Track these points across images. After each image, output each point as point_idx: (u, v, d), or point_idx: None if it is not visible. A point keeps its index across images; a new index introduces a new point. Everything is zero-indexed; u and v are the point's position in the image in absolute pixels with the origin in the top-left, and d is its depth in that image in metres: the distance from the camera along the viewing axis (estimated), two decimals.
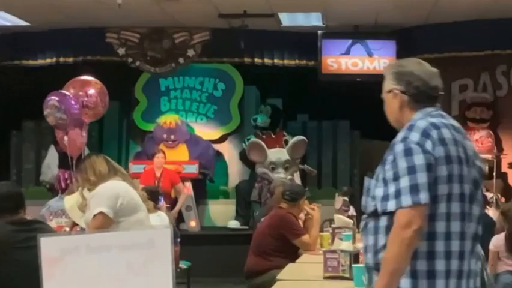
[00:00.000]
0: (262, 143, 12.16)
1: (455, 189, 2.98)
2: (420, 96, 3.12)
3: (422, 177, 2.91)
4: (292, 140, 12.29)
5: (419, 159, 2.92)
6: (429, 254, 2.95)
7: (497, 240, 7.26)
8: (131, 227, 4.66)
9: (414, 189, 2.89)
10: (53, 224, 7.95)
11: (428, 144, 2.95)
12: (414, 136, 2.97)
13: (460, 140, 3.05)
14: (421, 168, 2.91)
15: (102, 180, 4.98)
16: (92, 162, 5.11)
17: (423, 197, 2.89)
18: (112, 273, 2.70)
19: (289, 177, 11.89)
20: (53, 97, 9.81)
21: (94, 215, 4.73)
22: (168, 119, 12.94)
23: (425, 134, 2.97)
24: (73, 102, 9.79)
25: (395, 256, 2.90)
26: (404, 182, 2.91)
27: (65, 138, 9.86)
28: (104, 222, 4.70)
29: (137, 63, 12.84)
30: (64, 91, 9.95)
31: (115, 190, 4.87)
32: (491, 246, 7.17)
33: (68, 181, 10.19)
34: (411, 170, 2.91)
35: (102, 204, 4.76)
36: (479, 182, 3.11)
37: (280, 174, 11.92)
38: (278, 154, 12.18)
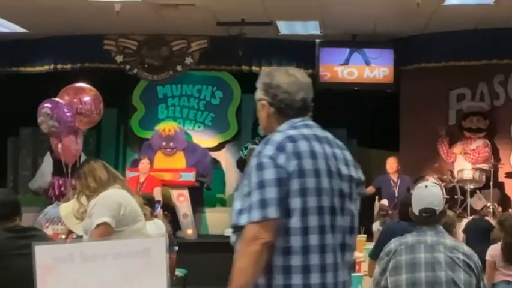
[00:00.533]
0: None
1: (310, 202, 2.94)
2: (285, 109, 3.10)
3: (270, 192, 2.87)
4: None
5: (269, 174, 2.89)
6: (285, 268, 2.91)
7: (494, 250, 7.25)
8: (131, 235, 4.65)
9: (262, 204, 2.86)
10: (49, 231, 7.93)
11: (281, 158, 2.92)
12: (268, 150, 2.94)
13: (321, 151, 3.01)
14: (271, 183, 2.88)
15: (102, 187, 4.96)
16: (91, 168, 5.08)
17: (271, 211, 2.86)
18: (106, 281, 2.70)
19: None
20: (46, 105, 9.81)
21: (97, 225, 4.72)
22: (167, 126, 12.95)
23: (279, 148, 2.94)
24: (65, 109, 9.79)
25: (242, 270, 2.87)
26: (255, 196, 2.88)
27: (59, 145, 9.86)
28: (107, 232, 4.69)
29: (135, 70, 12.85)
30: (57, 99, 9.95)
31: (118, 200, 4.85)
32: (487, 257, 7.16)
33: (62, 188, 10.17)
34: (261, 185, 2.88)
35: (105, 213, 4.74)
36: (349, 192, 3.06)
37: None
38: None
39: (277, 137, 2.99)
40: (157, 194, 11.49)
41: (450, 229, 5.49)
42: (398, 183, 11.73)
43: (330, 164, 3.01)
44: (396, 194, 11.51)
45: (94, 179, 5.00)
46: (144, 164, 11.71)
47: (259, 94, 3.16)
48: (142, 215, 5.01)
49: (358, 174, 3.12)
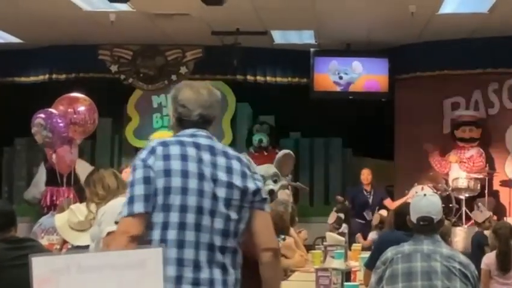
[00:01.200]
0: (249, 158, 12.11)
1: (173, 200, 3.18)
2: (183, 122, 3.40)
3: (138, 190, 3.18)
4: (277, 156, 12.27)
5: (138, 174, 3.22)
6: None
7: (489, 259, 7.25)
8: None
9: (131, 200, 3.18)
10: (44, 241, 7.91)
11: (151, 160, 3.23)
12: (143, 154, 3.27)
13: (193, 155, 3.25)
14: (139, 181, 3.20)
15: (111, 195, 5.01)
16: (100, 175, 5.20)
17: (137, 207, 3.15)
18: None
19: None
20: (39, 115, 9.79)
21: (109, 233, 4.73)
22: (160, 136, 12.94)
23: (152, 151, 3.25)
24: (59, 120, 9.75)
25: None
26: (127, 194, 3.23)
27: (53, 156, 9.82)
28: None
29: (130, 80, 12.86)
30: (50, 109, 9.92)
31: None
32: (482, 265, 7.17)
33: (54, 197, 10.11)
34: (132, 184, 3.22)
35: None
36: (226, 197, 3.24)
37: (269, 186, 11.84)
38: (266, 168, 12.11)
39: (153, 143, 3.31)
40: None
41: (445, 238, 5.50)
42: (372, 193, 12.00)
43: (203, 168, 3.24)
44: (370, 203, 11.94)
45: (103, 186, 5.09)
46: (127, 172, 11.67)
47: (169, 105, 3.50)
48: None
49: (245, 183, 3.29)
